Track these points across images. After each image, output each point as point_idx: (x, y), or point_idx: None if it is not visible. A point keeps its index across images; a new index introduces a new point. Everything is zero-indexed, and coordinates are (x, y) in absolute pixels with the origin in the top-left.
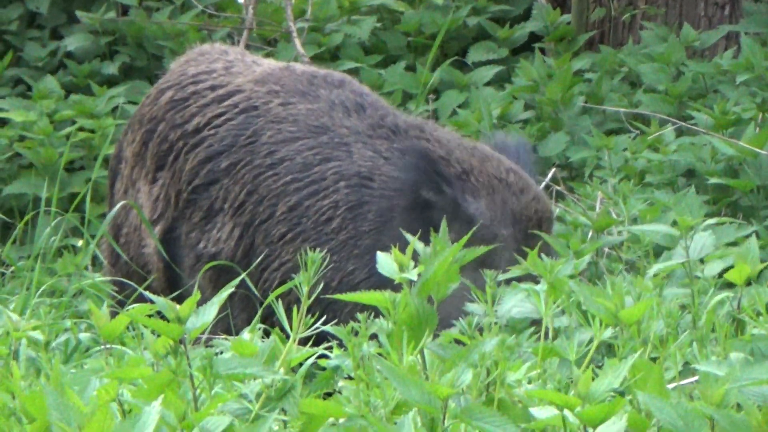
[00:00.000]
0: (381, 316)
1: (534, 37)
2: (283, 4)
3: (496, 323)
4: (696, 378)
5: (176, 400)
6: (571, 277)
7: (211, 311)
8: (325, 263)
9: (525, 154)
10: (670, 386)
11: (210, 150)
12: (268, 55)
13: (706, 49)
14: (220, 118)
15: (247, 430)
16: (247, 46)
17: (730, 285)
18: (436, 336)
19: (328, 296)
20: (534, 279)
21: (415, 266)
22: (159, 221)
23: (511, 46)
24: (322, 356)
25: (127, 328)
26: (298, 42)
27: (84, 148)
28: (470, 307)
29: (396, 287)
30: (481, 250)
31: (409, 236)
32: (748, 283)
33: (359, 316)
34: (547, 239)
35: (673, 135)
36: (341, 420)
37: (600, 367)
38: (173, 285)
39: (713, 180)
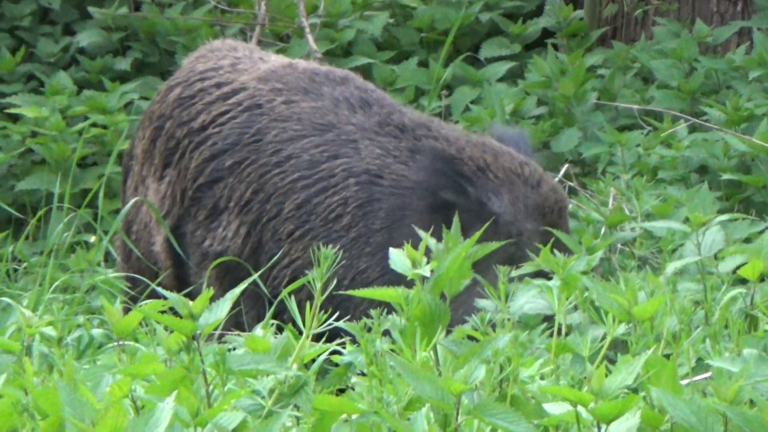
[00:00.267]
0: (394, 313)
1: (547, 33)
2: (296, 0)
3: (509, 319)
4: (709, 374)
5: (189, 397)
6: (584, 273)
7: (223, 308)
8: (337, 260)
9: (524, 145)
10: (684, 382)
11: (214, 148)
12: (280, 51)
13: (718, 45)
14: (225, 116)
15: (260, 427)
16: (260, 42)
17: (743, 281)
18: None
19: (341, 293)
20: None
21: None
22: (165, 219)
23: (524, 41)
24: (335, 352)
25: (140, 324)
26: (310, 38)
27: (96, 144)
28: (482, 303)
29: (409, 285)
30: (495, 245)
31: (421, 233)
32: (761, 280)
33: (372, 312)
34: (558, 235)
35: (685, 131)
36: (354, 416)
37: (613, 363)
38: (181, 283)
39: (726, 176)
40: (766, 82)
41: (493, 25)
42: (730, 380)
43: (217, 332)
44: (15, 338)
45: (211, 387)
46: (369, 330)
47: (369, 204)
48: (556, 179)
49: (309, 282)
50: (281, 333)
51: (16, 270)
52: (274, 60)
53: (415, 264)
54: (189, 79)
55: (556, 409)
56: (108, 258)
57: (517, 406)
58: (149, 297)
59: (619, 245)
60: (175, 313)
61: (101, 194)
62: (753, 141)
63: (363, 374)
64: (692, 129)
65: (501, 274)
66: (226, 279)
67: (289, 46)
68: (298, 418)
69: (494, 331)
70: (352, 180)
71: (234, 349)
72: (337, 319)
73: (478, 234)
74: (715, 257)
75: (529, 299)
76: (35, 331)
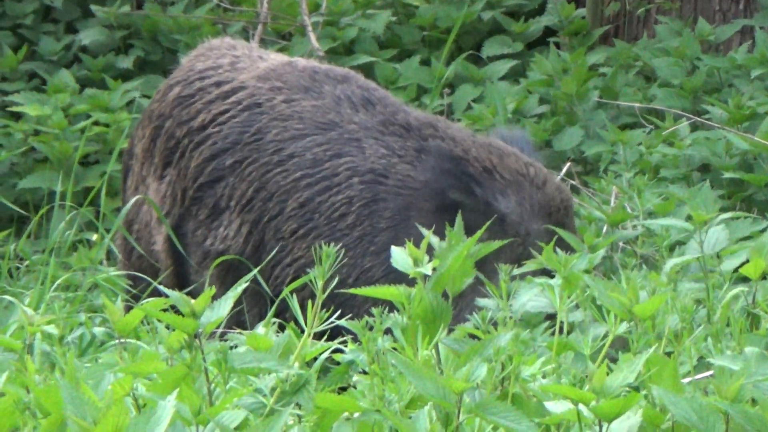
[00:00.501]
0: (396, 311)
1: (549, 32)
2: None
3: (510, 318)
4: (711, 372)
5: (191, 395)
6: (586, 271)
7: (225, 306)
8: (339, 259)
9: (528, 147)
10: (685, 381)
11: (215, 147)
12: (282, 50)
13: (720, 44)
14: (224, 115)
15: (262, 425)
16: (262, 41)
17: (744, 279)
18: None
19: (342, 290)
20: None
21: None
22: (166, 218)
23: (526, 40)
24: (337, 351)
25: (142, 322)
26: (312, 36)
27: (99, 142)
28: (482, 302)
29: (412, 284)
30: (497, 243)
31: (425, 231)
32: (763, 278)
33: (374, 310)
34: (564, 235)
35: (687, 129)
36: (356, 414)
37: (614, 362)
38: (182, 282)
39: (728, 174)
40: None
41: (495, 24)
42: (731, 379)
43: (219, 330)
44: (17, 336)
45: (212, 385)
46: (371, 328)
47: (374, 203)
48: (558, 177)
49: (311, 280)
50: (283, 331)
51: (18, 268)
52: (273, 58)
53: (417, 262)
54: (188, 78)
55: (557, 407)
56: (110, 256)
57: (519, 404)
58: (151, 295)
59: (620, 244)
60: (177, 312)
61: (103, 192)
62: (755, 139)
63: (365, 373)
64: (694, 127)
65: (503, 272)
66: (228, 278)
67: (291, 45)
68: (299, 417)
69: (496, 329)
70: (356, 179)
71: (236, 347)
72: (340, 318)
73: (480, 232)
74: (717, 256)
75: (531, 297)
76: (37, 330)
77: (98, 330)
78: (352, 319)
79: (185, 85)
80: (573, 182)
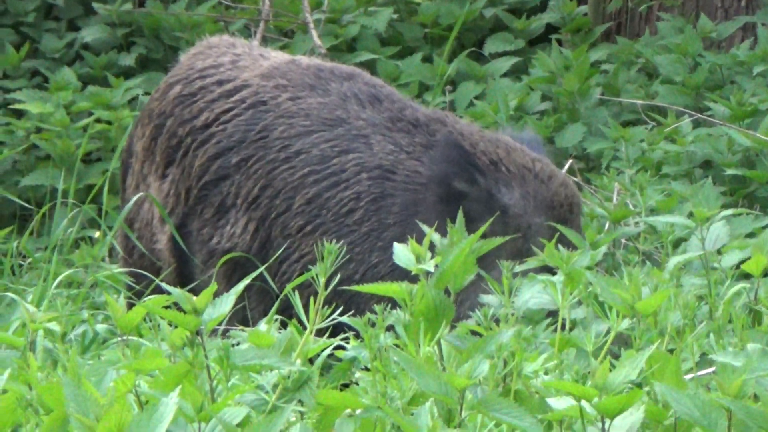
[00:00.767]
0: (399, 308)
1: (551, 29)
2: None
3: (512, 314)
4: (713, 369)
5: (193, 392)
6: (588, 268)
7: (227, 302)
8: (348, 255)
9: (538, 148)
10: (687, 377)
11: (219, 146)
12: (284, 47)
13: (722, 40)
14: (228, 114)
15: (264, 422)
16: (264, 38)
17: (747, 276)
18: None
19: (344, 288)
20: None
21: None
22: (169, 217)
23: (528, 37)
24: (339, 347)
25: (144, 319)
26: (314, 33)
27: (101, 140)
28: (485, 298)
29: (418, 279)
30: (499, 240)
31: (426, 228)
32: (765, 274)
33: (376, 307)
34: (565, 231)
35: (689, 126)
36: (358, 411)
37: (617, 358)
38: (185, 280)
39: (730, 171)
40: None
41: (497, 21)
42: (733, 375)
43: (222, 327)
44: (19, 333)
45: (215, 382)
46: (373, 325)
47: (382, 199)
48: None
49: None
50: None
51: (20, 265)
52: (275, 56)
53: (419, 259)
54: (189, 76)
55: (560, 403)
56: (112, 253)
57: (521, 400)
58: (153, 293)
59: (623, 240)
60: (179, 309)
61: (105, 190)
62: (757, 136)
63: (367, 369)
64: (696, 124)
65: (505, 268)
66: (234, 276)
67: (293, 42)
68: (302, 413)
69: (498, 326)
70: (364, 175)
71: (238, 344)
72: (346, 313)
73: (483, 228)
74: (719, 252)
75: (533, 294)
76: (39, 327)
77: (100, 327)
78: (359, 314)
79: (186, 83)
80: (575, 179)
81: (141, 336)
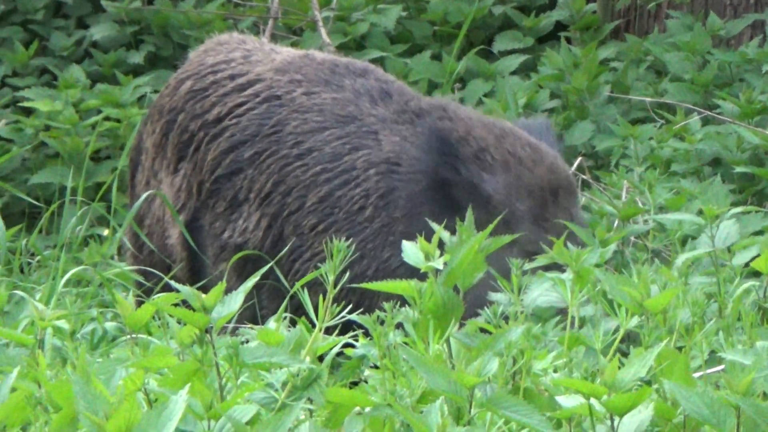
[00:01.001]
0: (407, 305)
1: (560, 26)
2: None
3: (522, 312)
4: (722, 367)
5: (203, 390)
6: (597, 266)
7: (236, 300)
8: (360, 252)
9: (548, 134)
10: (696, 375)
11: (232, 140)
12: (293, 45)
13: (731, 38)
14: (242, 108)
15: (273, 419)
16: (273, 36)
17: (756, 274)
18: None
19: (353, 285)
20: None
21: (442, 252)
22: (181, 212)
23: (537, 35)
24: (348, 345)
25: (153, 317)
26: (323, 31)
27: (110, 138)
28: (494, 296)
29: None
30: (507, 238)
31: (435, 225)
32: None
33: (385, 305)
34: (571, 227)
35: (698, 124)
36: (367, 409)
37: (626, 356)
38: (197, 275)
39: (739, 169)
40: None
41: (506, 19)
42: (742, 373)
43: (231, 326)
44: (28, 331)
45: (224, 380)
46: (382, 323)
47: (389, 194)
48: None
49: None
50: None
51: (29, 263)
52: (287, 52)
53: (428, 257)
54: (200, 72)
55: (569, 401)
56: (121, 251)
57: (530, 398)
58: (162, 290)
59: (632, 238)
60: (188, 307)
61: (114, 188)
62: (766, 134)
63: (376, 367)
64: (705, 122)
65: (514, 266)
66: (245, 271)
67: (302, 40)
68: (311, 411)
69: (507, 323)
70: (372, 171)
71: (247, 341)
72: (357, 310)
73: (491, 227)
74: (728, 250)
75: (542, 292)
76: (48, 325)
77: (110, 325)
78: (371, 312)
79: (197, 78)
80: (584, 177)
81: (150, 334)
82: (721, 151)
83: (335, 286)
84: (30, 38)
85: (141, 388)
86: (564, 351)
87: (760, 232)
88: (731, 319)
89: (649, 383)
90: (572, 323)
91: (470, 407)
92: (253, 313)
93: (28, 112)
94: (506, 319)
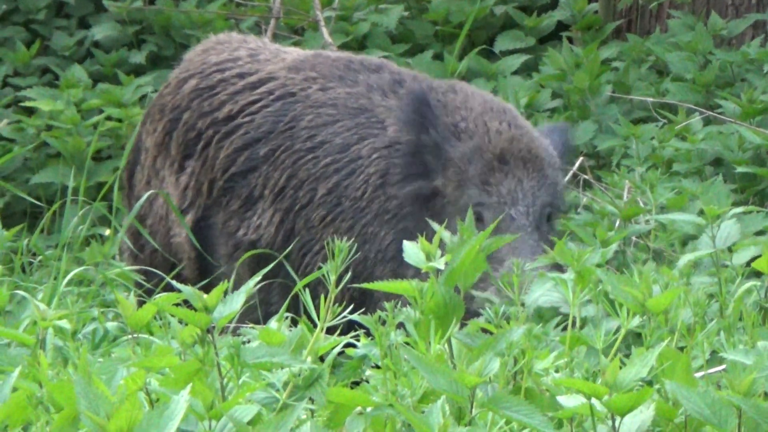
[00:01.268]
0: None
1: (561, 26)
2: None
3: (523, 312)
4: (723, 367)
5: (204, 389)
6: (599, 265)
7: (238, 300)
8: (363, 238)
9: (557, 134)
10: (698, 375)
11: (247, 137)
12: (295, 45)
13: (733, 38)
14: (255, 105)
15: (274, 419)
16: (275, 35)
17: (757, 274)
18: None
19: (355, 285)
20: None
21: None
22: (189, 210)
23: (539, 34)
24: (350, 345)
25: (155, 317)
26: (325, 31)
27: (111, 138)
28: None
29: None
30: (508, 238)
31: (436, 225)
32: None
33: (386, 305)
34: (573, 228)
35: (700, 124)
36: (369, 409)
37: (627, 356)
38: (204, 273)
39: (741, 169)
40: None
41: (507, 18)
42: (744, 373)
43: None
44: (30, 331)
45: (225, 380)
46: (383, 323)
47: (386, 173)
48: (571, 172)
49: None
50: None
51: (31, 263)
52: (297, 51)
53: (429, 257)
54: (204, 70)
55: (570, 401)
56: (120, 251)
57: (532, 398)
58: (164, 290)
59: (633, 238)
60: (190, 306)
61: (116, 187)
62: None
63: (377, 367)
64: (707, 122)
65: (516, 266)
66: (259, 267)
67: (303, 40)
68: (312, 411)
69: (508, 323)
70: (375, 155)
71: (249, 341)
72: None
73: (492, 227)
74: (730, 250)
75: (544, 292)
76: (50, 324)
77: (111, 325)
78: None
79: (202, 77)
80: (586, 176)
81: (151, 334)
82: (723, 151)
83: (337, 284)
84: (32, 38)
85: (142, 387)
86: (565, 351)
87: (761, 232)
88: (732, 319)
89: (650, 383)
90: (573, 323)
91: (471, 407)
92: (263, 311)
93: (30, 111)
94: (508, 319)
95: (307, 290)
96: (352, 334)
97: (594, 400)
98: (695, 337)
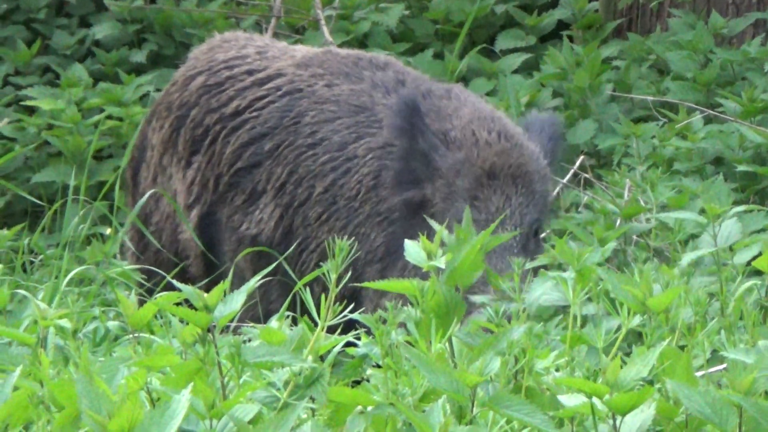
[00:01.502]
0: (409, 304)
1: (562, 25)
2: None
3: (524, 311)
4: (724, 366)
5: (205, 389)
6: (599, 264)
7: (238, 299)
8: (354, 238)
9: (544, 130)
10: (699, 374)
11: (253, 132)
12: (296, 43)
13: (734, 37)
14: (262, 101)
15: (275, 419)
16: (275, 34)
17: (758, 273)
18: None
19: (356, 285)
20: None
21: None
22: (195, 205)
23: (539, 33)
24: (350, 344)
25: (156, 316)
26: (326, 30)
27: (112, 137)
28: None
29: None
30: (508, 235)
31: (437, 225)
32: None
33: (387, 304)
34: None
35: (701, 122)
36: (369, 408)
37: (628, 355)
38: (211, 269)
39: (741, 167)
40: None
41: (508, 17)
42: (745, 372)
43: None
44: (30, 330)
45: (226, 379)
46: (384, 322)
47: (378, 174)
48: (572, 171)
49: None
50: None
51: (32, 262)
52: (306, 48)
53: (430, 256)
54: (212, 68)
55: (571, 400)
56: (123, 250)
57: (532, 397)
58: (167, 289)
59: (634, 237)
60: (191, 305)
61: (117, 186)
62: None
63: (378, 366)
64: (708, 120)
65: (516, 266)
66: (260, 262)
67: (304, 39)
68: (313, 410)
69: (509, 322)
70: (369, 156)
71: (249, 341)
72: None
73: (492, 227)
74: (730, 249)
75: (544, 291)
76: (50, 323)
77: (112, 324)
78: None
79: (210, 74)
80: (586, 175)
81: (152, 333)
82: (723, 150)
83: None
84: (33, 37)
85: (143, 387)
86: (566, 350)
87: (762, 231)
88: (733, 318)
89: (651, 382)
90: (574, 322)
91: (472, 406)
92: (264, 309)
93: (31, 110)
94: (508, 318)
95: (306, 289)
96: (352, 333)
97: (595, 399)
98: (696, 336)
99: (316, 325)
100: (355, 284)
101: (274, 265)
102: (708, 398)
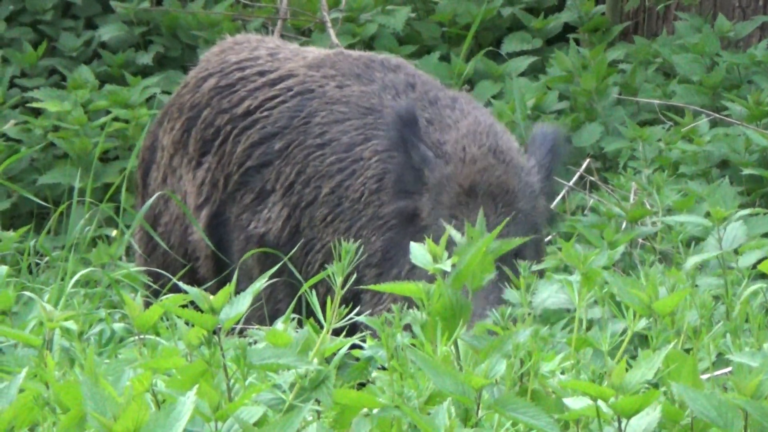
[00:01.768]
0: (414, 306)
1: (568, 28)
2: None
3: (529, 314)
4: (730, 369)
5: (210, 391)
6: (605, 267)
7: (244, 301)
8: (357, 238)
9: (542, 143)
10: (704, 377)
11: (263, 132)
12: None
13: (740, 40)
14: (274, 101)
15: (281, 421)
16: (282, 36)
17: (763, 276)
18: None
19: (362, 287)
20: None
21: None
22: (205, 205)
23: (546, 36)
24: (356, 347)
25: (161, 318)
26: (332, 32)
27: (118, 139)
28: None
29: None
30: (518, 240)
31: (450, 228)
32: None
33: (393, 306)
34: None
35: (707, 126)
36: (375, 410)
37: (634, 358)
38: (221, 269)
39: (747, 171)
40: None
41: (514, 20)
42: (750, 375)
43: (239, 325)
44: (36, 332)
45: (232, 381)
46: (390, 324)
47: (382, 177)
48: (578, 174)
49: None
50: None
51: (37, 264)
52: (317, 50)
53: (436, 259)
54: (223, 69)
55: (576, 403)
56: (129, 252)
57: (538, 400)
58: (174, 290)
59: (640, 240)
60: (197, 308)
61: (123, 188)
62: None
63: (384, 368)
64: (713, 124)
65: (523, 269)
66: (267, 261)
67: (310, 41)
68: (318, 413)
69: (515, 325)
70: (374, 159)
71: (255, 343)
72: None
73: (500, 227)
74: (736, 252)
75: (550, 294)
76: (56, 325)
77: (118, 326)
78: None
79: (222, 76)
80: (592, 178)
81: (158, 335)
82: (729, 153)
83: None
84: (39, 39)
85: (149, 389)
86: (572, 353)
87: (767, 234)
88: (739, 321)
89: (656, 385)
90: (580, 325)
91: (478, 409)
92: (270, 309)
93: (37, 112)
94: (514, 320)
95: (312, 290)
96: (358, 335)
97: (600, 402)
98: (701, 339)
99: (321, 327)
100: (359, 287)
101: (278, 266)
102: (713, 401)
